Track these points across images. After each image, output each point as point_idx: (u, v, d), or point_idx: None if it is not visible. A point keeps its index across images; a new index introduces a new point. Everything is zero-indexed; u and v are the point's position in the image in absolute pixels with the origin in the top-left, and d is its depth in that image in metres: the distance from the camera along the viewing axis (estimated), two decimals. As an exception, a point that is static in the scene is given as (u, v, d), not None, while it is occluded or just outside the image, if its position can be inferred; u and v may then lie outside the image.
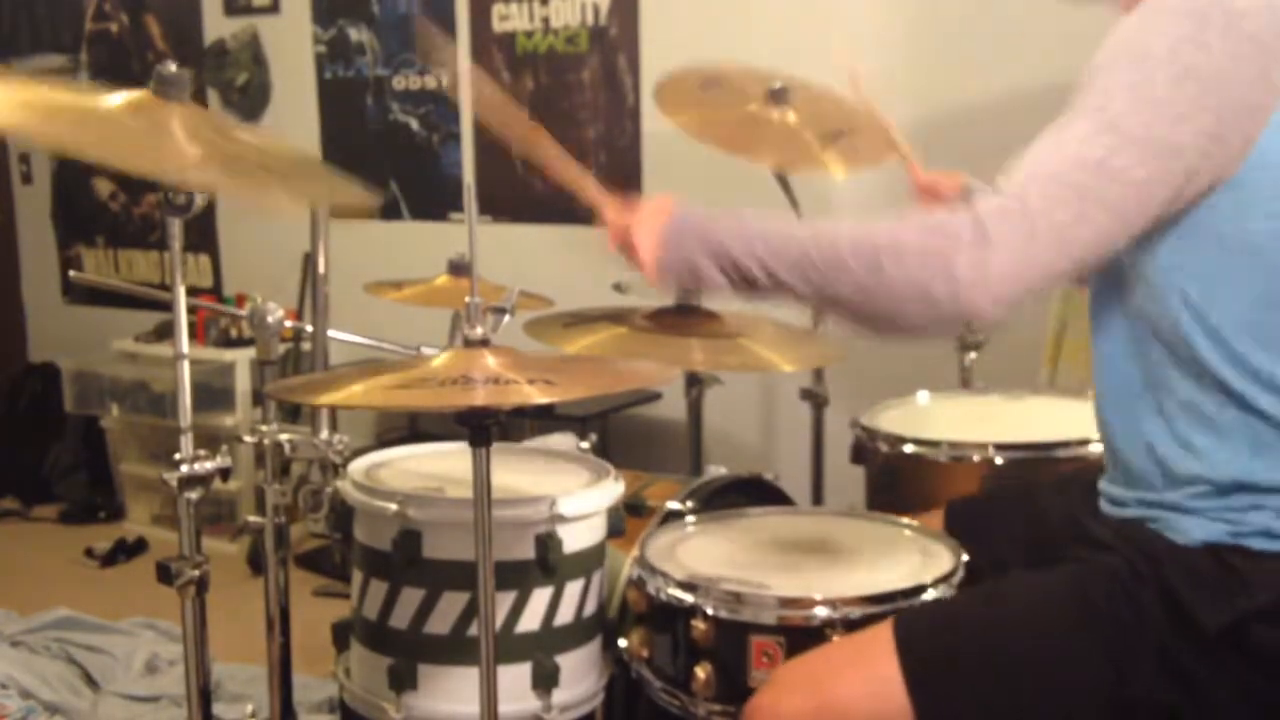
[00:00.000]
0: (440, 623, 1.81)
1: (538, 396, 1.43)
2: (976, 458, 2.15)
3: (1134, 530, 1.48)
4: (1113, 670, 1.41)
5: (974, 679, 1.45)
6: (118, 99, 1.66)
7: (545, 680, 1.82)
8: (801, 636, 1.61)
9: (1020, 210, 1.31)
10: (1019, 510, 1.84)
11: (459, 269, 2.54)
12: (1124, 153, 1.31)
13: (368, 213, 1.88)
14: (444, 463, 2.09)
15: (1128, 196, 1.32)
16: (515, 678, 1.80)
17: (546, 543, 1.80)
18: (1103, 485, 1.57)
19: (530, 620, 1.82)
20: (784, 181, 2.90)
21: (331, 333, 2.06)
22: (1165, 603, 1.40)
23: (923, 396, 2.59)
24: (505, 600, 1.80)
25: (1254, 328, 1.38)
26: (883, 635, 1.50)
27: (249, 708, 2.06)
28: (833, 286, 1.39)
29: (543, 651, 1.83)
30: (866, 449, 2.32)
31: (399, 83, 4.17)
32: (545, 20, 3.84)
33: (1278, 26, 1.34)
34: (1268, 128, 1.33)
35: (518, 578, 1.80)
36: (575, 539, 1.85)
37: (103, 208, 5.00)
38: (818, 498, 2.93)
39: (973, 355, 2.88)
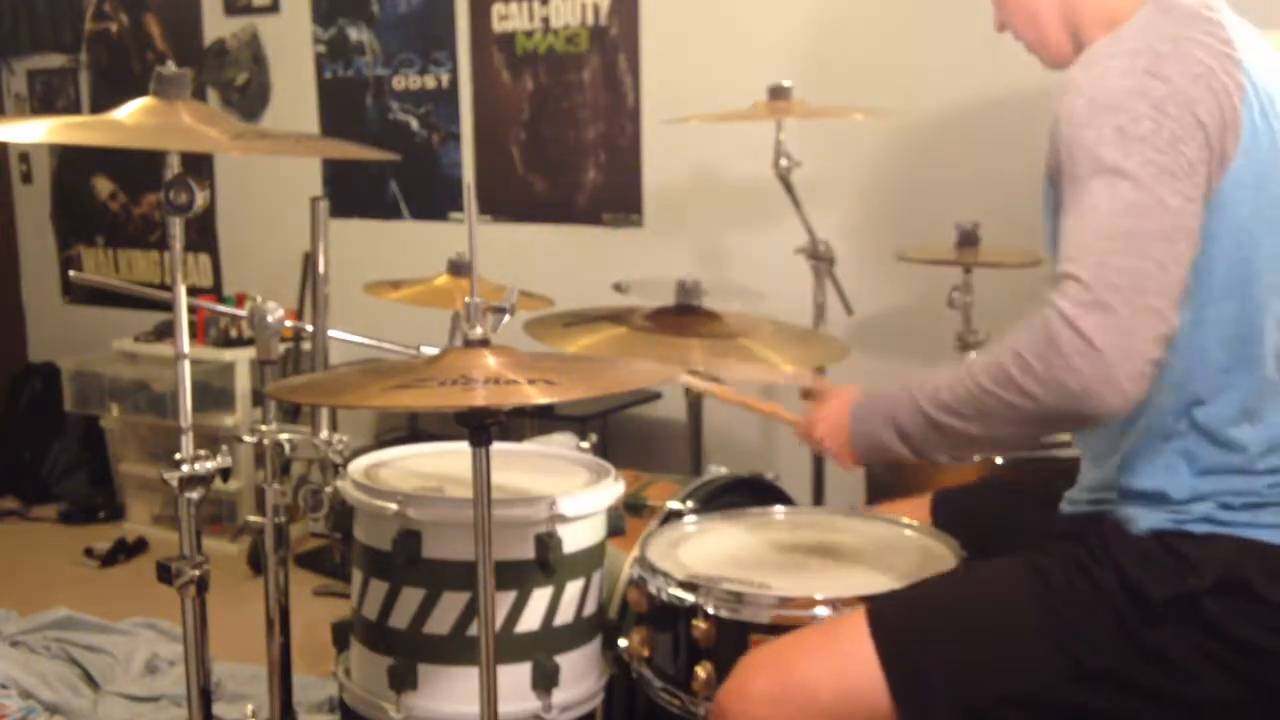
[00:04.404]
0: (440, 623, 1.81)
1: (538, 396, 1.43)
2: (977, 457, 2.15)
3: (1089, 522, 1.54)
4: (1080, 644, 1.46)
5: (948, 657, 1.49)
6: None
7: (545, 680, 1.82)
8: (802, 636, 1.61)
9: (1091, 294, 1.33)
10: (1004, 502, 1.90)
11: (459, 269, 2.54)
12: (1148, 188, 1.35)
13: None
14: (444, 463, 2.09)
15: (1174, 220, 1.35)
16: (515, 678, 1.80)
17: (546, 543, 1.79)
18: (1070, 491, 1.65)
19: (530, 620, 1.82)
20: (785, 182, 2.91)
21: (331, 333, 2.06)
22: (1119, 581, 1.46)
23: (923, 396, 2.59)
24: (505, 600, 1.80)
25: None
26: (854, 618, 1.54)
27: (249, 708, 2.06)
28: (992, 414, 1.42)
29: (543, 651, 1.83)
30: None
31: (399, 82, 4.17)
32: (545, 20, 3.84)
33: (1218, 34, 1.43)
34: (1244, 108, 1.41)
35: (518, 578, 1.80)
36: (575, 539, 1.85)
37: (102, 208, 5.00)
38: (818, 498, 2.93)
39: (973, 355, 2.88)
